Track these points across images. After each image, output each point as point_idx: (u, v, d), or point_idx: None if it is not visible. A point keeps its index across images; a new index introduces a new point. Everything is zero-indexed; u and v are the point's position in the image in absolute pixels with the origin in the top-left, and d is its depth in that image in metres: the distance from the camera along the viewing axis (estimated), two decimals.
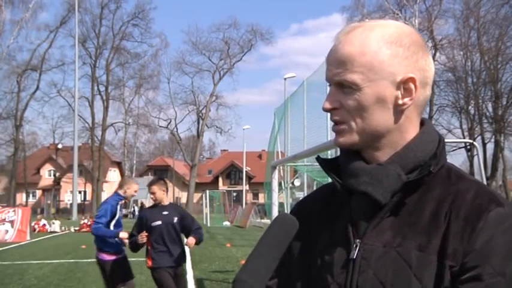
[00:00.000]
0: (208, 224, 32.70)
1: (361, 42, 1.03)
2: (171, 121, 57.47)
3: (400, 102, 1.03)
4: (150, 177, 53.43)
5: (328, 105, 1.06)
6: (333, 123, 1.08)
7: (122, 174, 64.77)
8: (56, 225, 28.20)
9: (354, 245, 1.04)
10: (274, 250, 0.94)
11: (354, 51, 1.03)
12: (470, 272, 0.93)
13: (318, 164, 1.17)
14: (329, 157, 1.18)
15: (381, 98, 1.02)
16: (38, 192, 61.49)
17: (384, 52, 1.02)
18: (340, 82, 1.04)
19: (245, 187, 53.59)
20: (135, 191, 6.32)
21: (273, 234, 0.96)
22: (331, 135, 6.65)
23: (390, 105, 1.03)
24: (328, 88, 1.09)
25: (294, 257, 1.13)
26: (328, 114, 1.08)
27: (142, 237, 5.64)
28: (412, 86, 1.03)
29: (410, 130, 1.06)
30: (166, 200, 5.86)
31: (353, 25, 1.07)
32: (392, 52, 1.03)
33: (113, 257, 6.14)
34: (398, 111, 1.04)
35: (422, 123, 1.10)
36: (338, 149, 1.18)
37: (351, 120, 1.04)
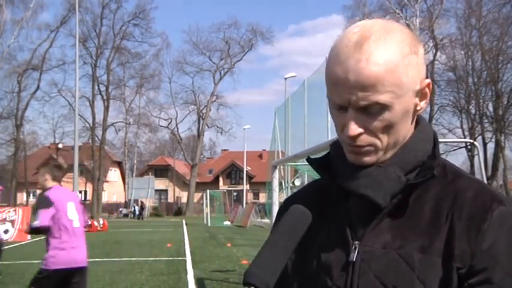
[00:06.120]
0: (209, 224, 32.70)
1: (383, 58, 0.94)
2: (171, 121, 57.67)
3: (418, 108, 1.02)
4: (150, 177, 53.78)
5: (354, 132, 0.97)
6: (349, 143, 1.00)
7: (123, 173, 64.83)
8: None
9: (353, 247, 1.01)
10: (286, 242, 0.93)
11: (381, 71, 0.94)
12: (480, 275, 0.92)
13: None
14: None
15: (407, 110, 0.99)
16: (39, 192, 61.40)
17: (405, 64, 0.97)
18: (370, 105, 0.96)
19: (245, 187, 53.53)
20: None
21: (285, 225, 0.96)
22: (331, 135, 6.63)
23: (411, 114, 1.02)
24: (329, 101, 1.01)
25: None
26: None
27: None
28: (427, 90, 1.02)
29: (410, 130, 1.04)
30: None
31: (358, 35, 0.96)
32: (411, 62, 0.97)
33: None
34: (414, 116, 1.03)
35: (417, 120, 1.07)
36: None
37: (376, 140, 0.99)
